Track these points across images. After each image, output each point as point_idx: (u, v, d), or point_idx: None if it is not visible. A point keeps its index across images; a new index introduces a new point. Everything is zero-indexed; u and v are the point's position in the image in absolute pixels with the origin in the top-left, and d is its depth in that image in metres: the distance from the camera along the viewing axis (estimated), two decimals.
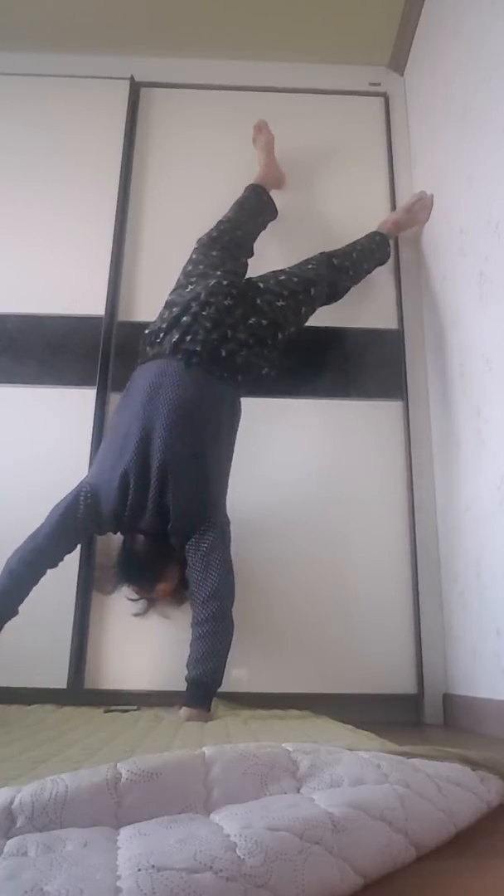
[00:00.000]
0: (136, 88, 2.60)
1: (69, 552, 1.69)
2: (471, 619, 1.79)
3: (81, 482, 1.72)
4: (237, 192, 2.45)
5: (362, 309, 2.30)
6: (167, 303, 1.92)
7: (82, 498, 1.66)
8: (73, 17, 2.52)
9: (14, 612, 1.62)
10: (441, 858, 0.58)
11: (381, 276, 2.29)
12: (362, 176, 2.50)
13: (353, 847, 0.52)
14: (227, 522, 1.72)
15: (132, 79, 2.59)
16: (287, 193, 2.46)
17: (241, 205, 2.24)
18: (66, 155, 2.46)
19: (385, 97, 2.63)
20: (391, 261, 2.37)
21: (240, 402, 1.86)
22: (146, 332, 1.87)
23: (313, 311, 2.04)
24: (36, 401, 2.15)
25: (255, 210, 2.26)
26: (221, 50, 2.63)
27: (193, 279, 1.95)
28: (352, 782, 0.65)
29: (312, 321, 2.15)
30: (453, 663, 1.91)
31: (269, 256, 2.19)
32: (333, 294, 2.11)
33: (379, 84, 2.65)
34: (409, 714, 1.93)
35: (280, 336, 1.91)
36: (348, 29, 2.53)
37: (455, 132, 2.02)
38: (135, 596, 1.76)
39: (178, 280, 2.01)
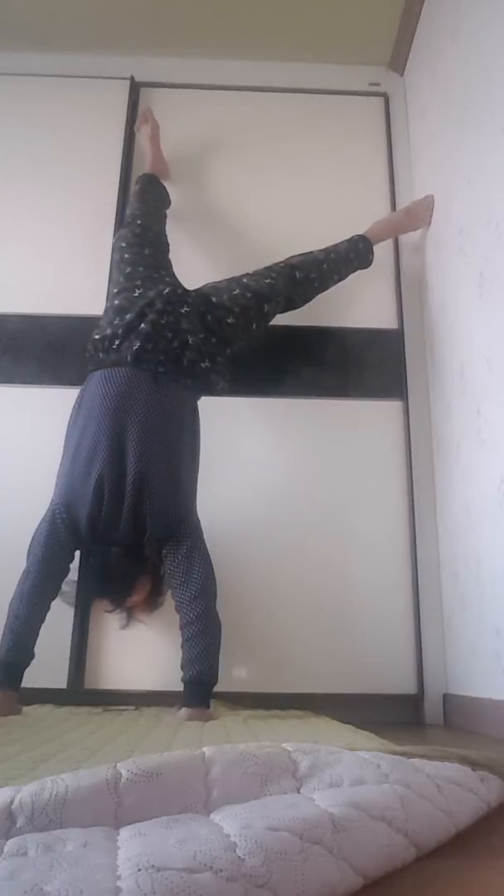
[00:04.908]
0: (136, 88, 2.60)
1: (65, 577, 1.66)
2: (471, 619, 1.79)
3: (50, 505, 1.68)
4: (237, 192, 2.46)
5: (362, 309, 2.30)
6: (116, 307, 1.85)
7: (59, 519, 1.64)
8: (73, 17, 2.52)
9: (32, 656, 1.58)
10: (441, 858, 0.58)
11: (381, 276, 2.29)
12: (362, 176, 2.50)
13: (354, 847, 0.52)
14: (199, 522, 1.72)
15: (132, 79, 2.59)
16: (286, 193, 2.46)
17: (143, 195, 2.21)
18: (66, 155, 2.46)
19: (385, 97, 2.63)
20: (391, 261, 2.37)
21: (198, 409, 1.85)
22: (95, 337, 1.81)
23: (267, 324, 1.99)
24: (36, 401, 2.15)
25: (158, 201, 2.25)
26: (221, 50, 2.63)
27: (139, 282, 1.91)
28: (352, 782, 0.65)
29: (312, 321, 2.15)
30: (453, 663, 1.91)
31: (269, 255, 2.19)
32: (290, 306, 2.05)
33: (379, 84, 2.64)
34: (409, 714, 1.93)
35: (229, 351, 1.90)
36: (348, 29, 2.52)
37: (455, 132, 2.02)
38: (109, 608, 1.75)
39: (119, 282, 1.94)
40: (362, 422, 2.19)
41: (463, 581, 1.85)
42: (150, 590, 1.73)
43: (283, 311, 2.04)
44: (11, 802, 0.55)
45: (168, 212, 2.29)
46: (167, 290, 1.85)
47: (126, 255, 2.01)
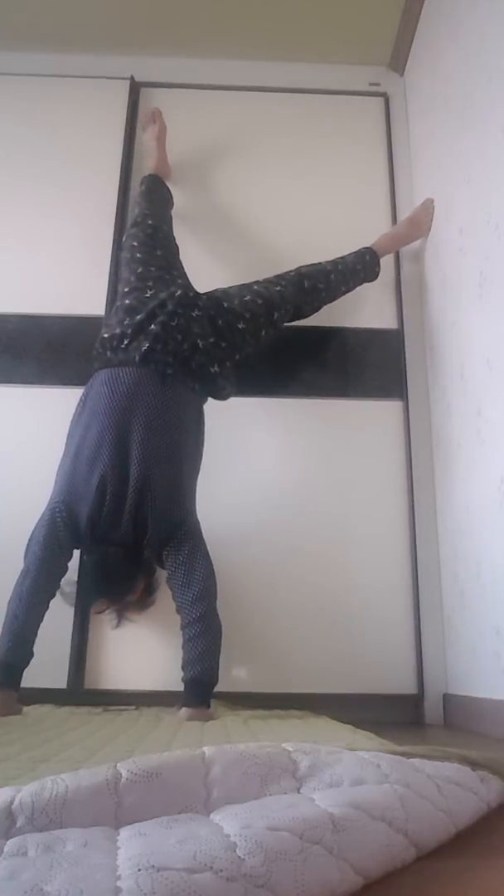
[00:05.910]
0: (136, 88, 2.60)
1: (63, 576, 1.65)
2: (471, 619, 1.79)
3: (50, 503, 1.67)
4: (237, 192, 2.46)
5: (362, 309, 2.30)
6: (126, 307, 1.85)
7: (59, 518, 1.63)
8: (73, 17, 2.52)
9: (31, 656, 1.57)
10: (441, 858, 0.58)
11: (381, 277, 2.28)
12: (362, 176, 2.50)
13: (354, 847, 0.52)
14: (199, 523, 1.72)
15: (132, 79, 2.59)
16: (286, 193, 2.46)
17: (150, 195, 2.22)
18: (66, 155, 2.46)
19: (385, 97, 2.63)
20: (391, 261, 2.37)
21: (203, 413, 1.86)
22: (104, 335, 1.81)
23: (276, 331, 2.00)
24: (36, 401, 2.15)
25: (164, 202, 2.26)
26: (221, 50, 2.63)
27: (150, 283, 1.91)
28: (352, 782, 0.65)
29: (312, 321, 2.15)
30: (453, 663, 1.91)
31: (269, 254, 2.19)
32: (298, 315, 2.05)
33: (379, 84, 2.64)
34: (409, 714, 1.93)
35: (238, 357, 1.91)
36: (348, 29, 2.52)
37: (455, 132, 2.02)
38: (102, 608, 1.74)
39: (129, 281, 1.94)
40: (362, 422, 2.19)
41: (463, 581, 1.85)
42: (143, 589, 1.74)
43: (291, 320, 2.04)
44: (11, 802, 0.55)
45: None
46: (179, 293, 1.85)
47: (138, 255, 2.00)
